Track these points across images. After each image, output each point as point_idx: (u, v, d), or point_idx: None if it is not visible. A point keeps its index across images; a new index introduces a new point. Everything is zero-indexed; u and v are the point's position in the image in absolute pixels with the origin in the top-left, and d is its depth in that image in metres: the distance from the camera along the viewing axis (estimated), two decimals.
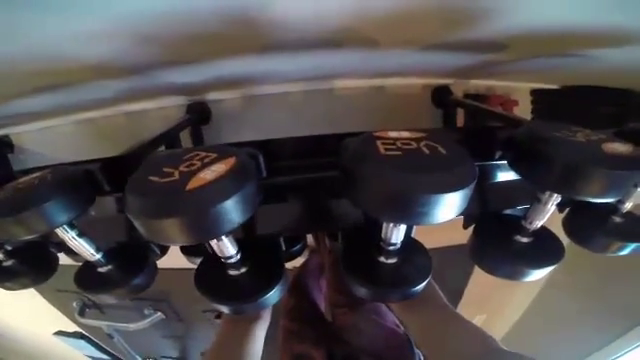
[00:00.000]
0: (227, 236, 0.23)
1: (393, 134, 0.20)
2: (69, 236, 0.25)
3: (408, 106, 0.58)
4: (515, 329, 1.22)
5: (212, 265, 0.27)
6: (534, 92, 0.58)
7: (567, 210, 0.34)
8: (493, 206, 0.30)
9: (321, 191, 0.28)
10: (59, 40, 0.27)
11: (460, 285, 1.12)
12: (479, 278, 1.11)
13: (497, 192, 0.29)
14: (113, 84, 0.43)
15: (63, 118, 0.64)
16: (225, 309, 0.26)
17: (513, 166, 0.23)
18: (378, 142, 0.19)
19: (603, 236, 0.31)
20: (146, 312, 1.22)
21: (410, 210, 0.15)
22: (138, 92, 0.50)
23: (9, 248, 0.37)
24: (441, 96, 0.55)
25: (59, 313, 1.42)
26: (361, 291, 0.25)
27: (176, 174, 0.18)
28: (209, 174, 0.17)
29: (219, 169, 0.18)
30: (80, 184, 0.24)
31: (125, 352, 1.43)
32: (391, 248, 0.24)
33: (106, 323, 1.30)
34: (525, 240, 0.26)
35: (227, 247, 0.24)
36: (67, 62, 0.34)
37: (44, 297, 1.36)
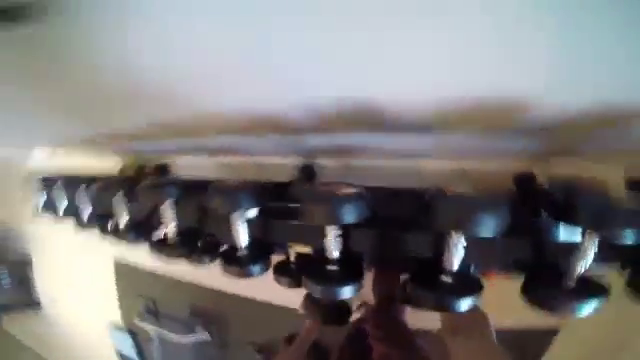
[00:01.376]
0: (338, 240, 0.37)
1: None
2: (241, 221, 0.42)
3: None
4: None
5: (315, 262, 0.40)
6: (628, 180, 0.50)
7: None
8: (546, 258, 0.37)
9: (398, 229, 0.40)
10: (251, 100, 0.45)
11: None
12: None
13: (551, 247, 0.37)
14: (264, 140, 0.64)
15: (210, 159, 0.91)
16: (319, 290, 0.38)
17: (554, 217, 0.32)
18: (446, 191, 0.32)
19: None
20: (197, 329, 1.33)
21: (462, 224, 0.27)
22: (274, 150, 0.71)
23: (178, 230, 0.55)
24: (523, 183, 0.57)
25: (119, 311, 1.60)
26: (421, 298, 0.34)
27: (330, 190, 0.33)
28: (346, 191, 0.33)
29: (351, 190, 0.33)
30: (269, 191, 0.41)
31: None
32: (448, 268, 0.34)
33: (156, 329, 1.43)
34: (572, 284, 0.32)
35: (336, 248, 0.37)
36: (243, 117, 0.51)
37: (121, 296, 1.59)
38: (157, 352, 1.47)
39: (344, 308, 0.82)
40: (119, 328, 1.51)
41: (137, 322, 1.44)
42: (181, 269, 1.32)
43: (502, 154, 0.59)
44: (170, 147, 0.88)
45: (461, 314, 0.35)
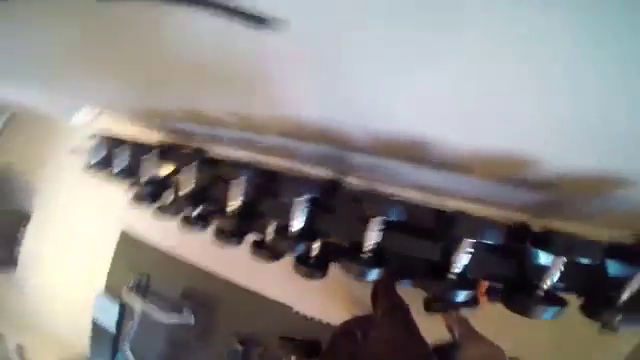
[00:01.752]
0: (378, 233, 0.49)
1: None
2: (302, 205, 0.54)
3: None
4: None
5: (352, 249, 0.52)
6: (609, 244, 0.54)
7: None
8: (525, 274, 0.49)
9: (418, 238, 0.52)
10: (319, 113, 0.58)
11: None
12: None
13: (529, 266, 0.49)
14: (306, 147, 0.76)
15: (245, 152, 1.02)
16: (355, 268, 0.49)
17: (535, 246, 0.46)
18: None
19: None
20: (185, 311, 1.37)
21: (473, 232, 0.40)
22: (309, 157, 0.83)
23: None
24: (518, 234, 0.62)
25: (105, 280, 1.62)
26: (432, 287, 0.47)
27: (382, 193, 0.46)
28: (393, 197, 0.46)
29: (396, 197, 0.46)
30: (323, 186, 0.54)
31: (126, 335, 1.51)
32: (454, 269, 0.46)
33: (141, 304, 1.46)
34: (541, 293, 0.44)
35: (373, 238, 0.49)
36: (306, 125, 0.62)
37: (115, 266, 1.61)
38: (135, 327, 1.49)
39: (316, 345, 1.02)
40: (107, 297, 1.53)
41: (124, 294, 1.48)
42: (185, 249, 1.39)
43: (507, 204, 0.70)
44: (215, 134, 0.98)
45: (478, 348, 0.46)
